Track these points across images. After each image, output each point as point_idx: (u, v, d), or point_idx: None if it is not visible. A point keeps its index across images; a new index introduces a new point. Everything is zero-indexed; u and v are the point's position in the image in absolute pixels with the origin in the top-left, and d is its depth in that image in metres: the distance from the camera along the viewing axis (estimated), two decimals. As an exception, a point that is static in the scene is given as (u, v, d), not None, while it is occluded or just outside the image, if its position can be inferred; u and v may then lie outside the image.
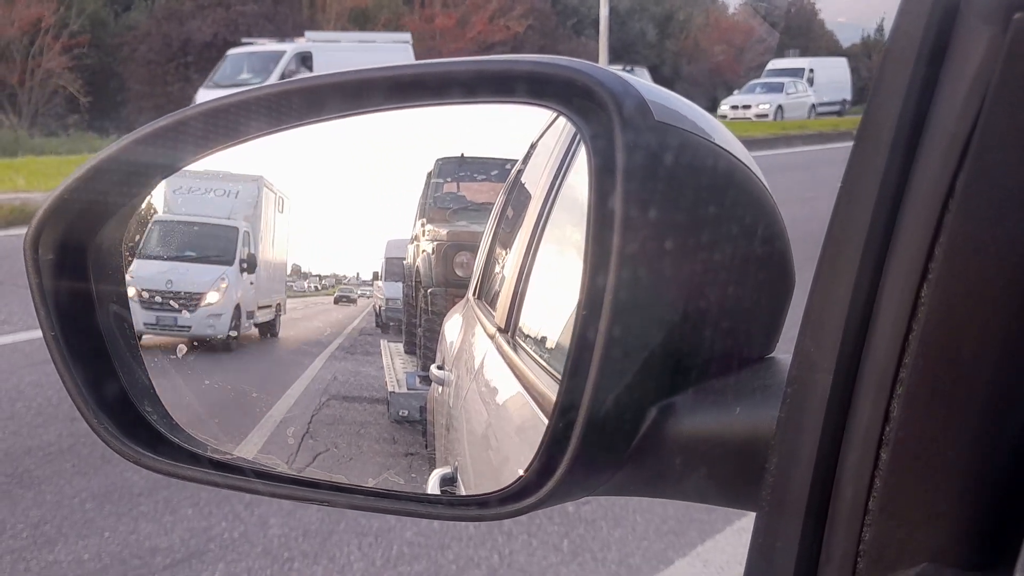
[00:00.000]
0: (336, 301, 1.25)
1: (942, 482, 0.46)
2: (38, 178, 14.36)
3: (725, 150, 0.65)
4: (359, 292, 1.20)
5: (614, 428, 0.62)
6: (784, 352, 0.71)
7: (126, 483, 4.38)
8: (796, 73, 39.03)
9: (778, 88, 36.28)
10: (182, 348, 1.11)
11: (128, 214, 0.93)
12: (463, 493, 0.97)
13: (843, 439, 0.50)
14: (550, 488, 0.62)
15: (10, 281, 8.54)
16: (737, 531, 3.75)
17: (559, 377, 0.85)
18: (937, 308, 0.46)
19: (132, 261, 1.00)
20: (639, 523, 3.81)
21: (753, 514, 0.63)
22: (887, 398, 0.48)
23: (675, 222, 0.62)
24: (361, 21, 42.49)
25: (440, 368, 1.21)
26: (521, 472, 0.66)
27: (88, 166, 0.82)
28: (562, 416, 0.62)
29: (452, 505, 0.78)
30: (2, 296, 8.10)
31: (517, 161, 1.20)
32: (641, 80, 0.68)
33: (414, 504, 0.80)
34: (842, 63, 44.73)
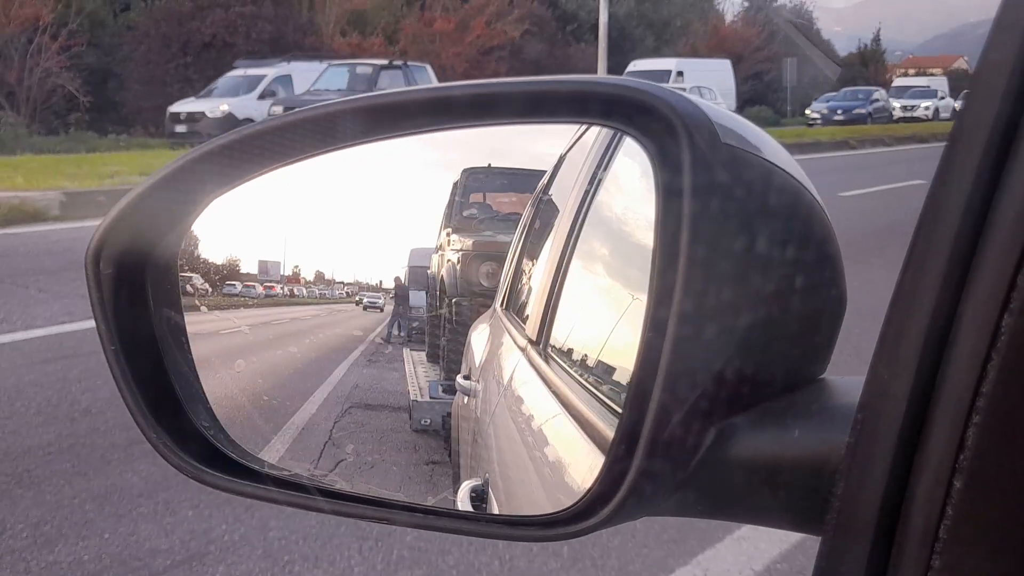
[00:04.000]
0: (365, 308, 1.25)
1: (1016, 512, 0.45)
2: (36, 176, 14.31)
3: (782, 169, 0.65)
4: (384, 300, 1.19)
5: (676, 449, 0.61)
6: (834, 374, 0.71)
7: (126, 484, 4.36)
8: (661, 77, 32.54)
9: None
10: (241, 363, 1.11)
11: (184, 230, 0.94)
12: (495, 508, 0.96)
13: (914, 466, 0.49)
14: (613, 508, 0.62)
15: (9, 280, 8.51)
16: (736, 540, 3.74)
17: (597, 393, 0.85)
18: (1018, 337, 0.45)
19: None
20: (639, 530, 3.80)
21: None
22: (963, 427, 0.48)
23: (739, 244, 0.62)
24: (360, 24, 42.45)
25: (467, 378, 1.21)
26: (582, 490, 0.66)
27: (148, 183, 0.82)
28: (625, 437, 0.62)
29: (512, 525, 0.78)
30: (1, 295, 8.07)
31: (545, 173, 1.20)
32: (705, 102, 0.67)
33: (472, 524, 0.80)
34: (725, 65, 37.48)
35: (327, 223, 1.24)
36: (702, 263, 0.58)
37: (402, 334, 1.20)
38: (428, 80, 24.42)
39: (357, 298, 1.21)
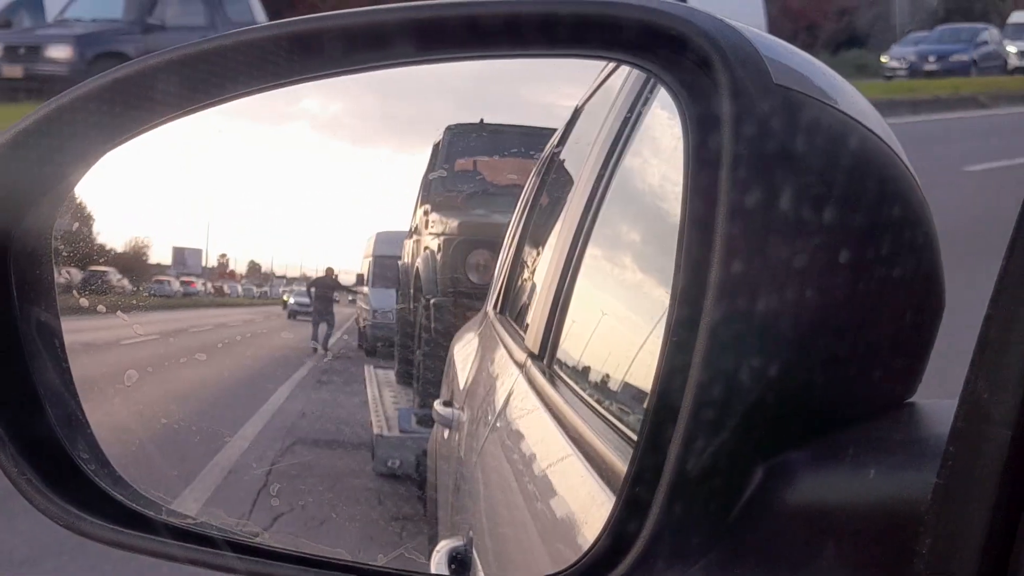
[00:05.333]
0: (292, 315, 1.24)
1: None
2: None
3: (861, 124, 0.65)
4: (327, 300, 1.19)
5: (709, 493, 0.62)
6: (930, 397, 0.71)
7: (2, 549, 4.38)
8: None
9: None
10: (132, 374, 1.11)
11: (62, 195, 0.92)
12: (480, 574, 0.96)
13: (1023, 517, 0.50)
14: (625, 570, 0.62)
15: None
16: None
17: (617, 423, 0.85)
18: None
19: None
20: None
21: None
22: None
23: (795, 224, 0.62)
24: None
25: (447, 405, 1.21)
26: (586, 546, 0.66)
27: (8, 135, 0.81)
28: (640, 478, 0.62)
29: None
30: None
31: (556, 131, 1.20)
32: (752, 28, 0.67)
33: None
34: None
35: (264, 198, 1.25)
36: (746, 247, 0.58)
37: (317, 343, 1.21)
38: (248, 7, 23.10)
39: (285, 297, 1.21)
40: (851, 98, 0.69)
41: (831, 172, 0.65)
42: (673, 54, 0.65)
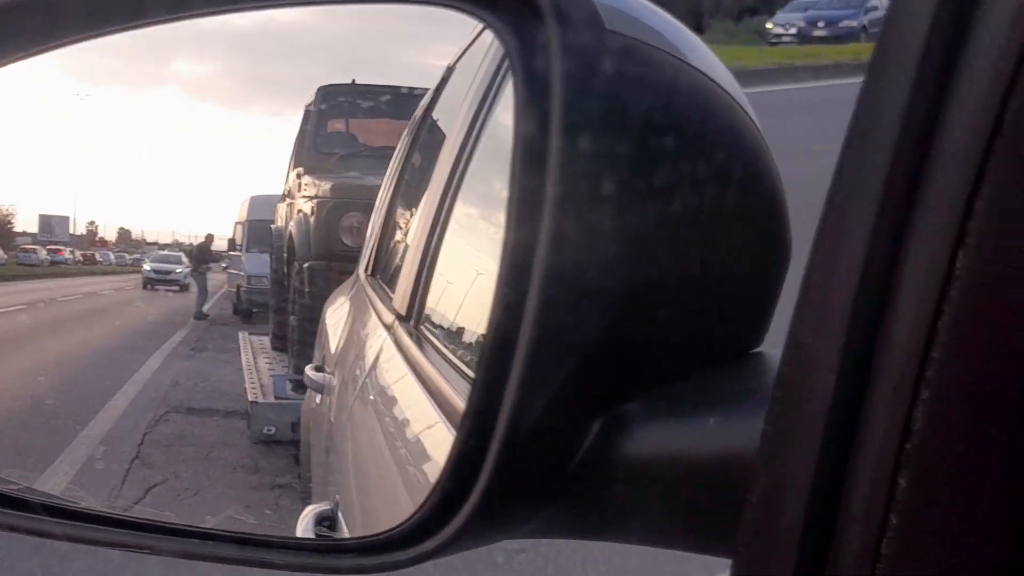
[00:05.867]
0: (147, 284, 1.22)
1: (980, 518, 0.46)
2: None
3: (703, 73, 0.64)
4: (204, 268, 1.17)
5: (544, 447, 0.61)
6: (776, 346, 0.71)
7: None
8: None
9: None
10: None
11: None
12: (345, 535, 0.95)
13: (849, 460, 0.50)
14: (456, 528, 0.61)
15: None
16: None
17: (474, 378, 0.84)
18: (977, 283, 0.46)
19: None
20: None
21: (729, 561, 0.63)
22: (908, 406, 0.48)
23: (629, 163, 0.61)
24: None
25: (319, 370, 1.19)
26: (414, 507, 0.65)
27: None
28: (474, 431, 0.61)
29: (321, 552, 0.76)
30: None
31: (429, 90, 1.18)
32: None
33: (269, 551, 0.78)
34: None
35: (134, 163, 1.21)
36: (576, 198, 0.57)
37: (202, 309, 1.19)
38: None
39: (144, 265, 1.19)
40: (695, 50, 0.69)
41: (669, 121, 0.64)
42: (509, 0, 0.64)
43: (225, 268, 1.19)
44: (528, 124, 0.62)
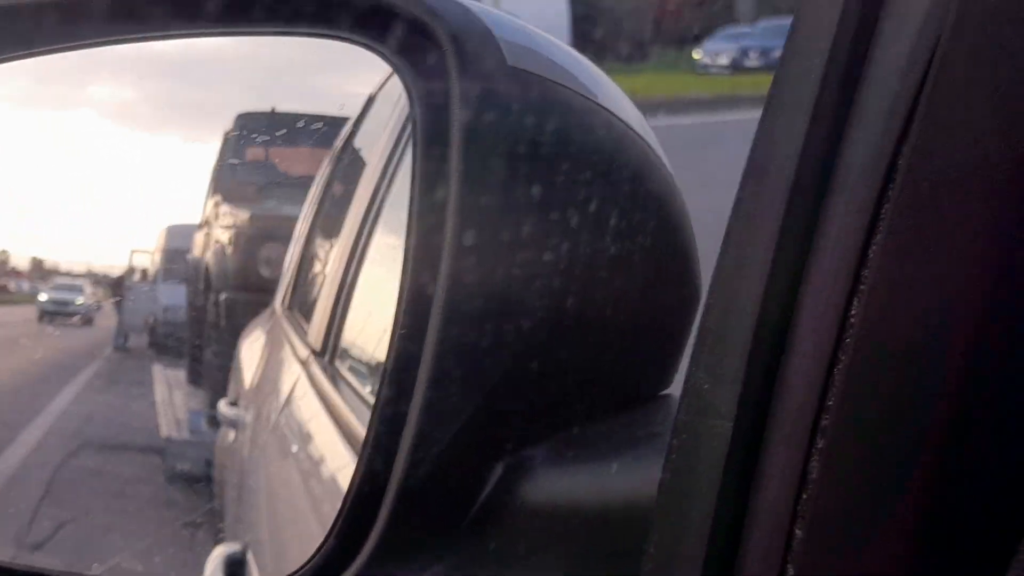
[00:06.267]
0: (43, 316, 1.18)
1: (875, 570, 0.45)
2: None
3: (610, 112, 0.63)
4: (115, 298, 1.14)
5: (445, 492, 0.59)
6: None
7: None
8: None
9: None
10: None
11: None
12: (254, 577, 0.93)
13: (747, 508, 0.49)
14: (356, 571, 0.59)
15: None
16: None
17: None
18: (872, 332, 0.45)
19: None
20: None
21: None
22: (804, 454, 0.47)
23: (532, 206, 0.60)
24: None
25: (233, 405, 1.16)
26: (307, 555, 0.63)
27: None
28: (370, 476, 0.59)
29: None
30: None
31: (350, 120, 1.17)
32: (494, 10, 0.65)
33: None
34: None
35: (48, 190, 1.18)
36: (478, 229, 0.56)
37: (123, 340, 1.16)
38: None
39: (40, 295, 1.15)
40: (601, 85, 0.68)
41: (572, 154, 0.63)
42: (403, 35, 0.63)
43: (117, 302, 1.14)
44: (426, 165, 0.61)
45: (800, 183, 0.47)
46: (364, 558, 0.60)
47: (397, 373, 0.60)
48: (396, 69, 0.65)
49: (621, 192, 0.64)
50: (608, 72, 0.78)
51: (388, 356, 0.61)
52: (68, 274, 1.22)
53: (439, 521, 0.62)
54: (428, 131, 0.61)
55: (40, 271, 1.22)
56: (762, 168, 0.49)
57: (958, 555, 0.45)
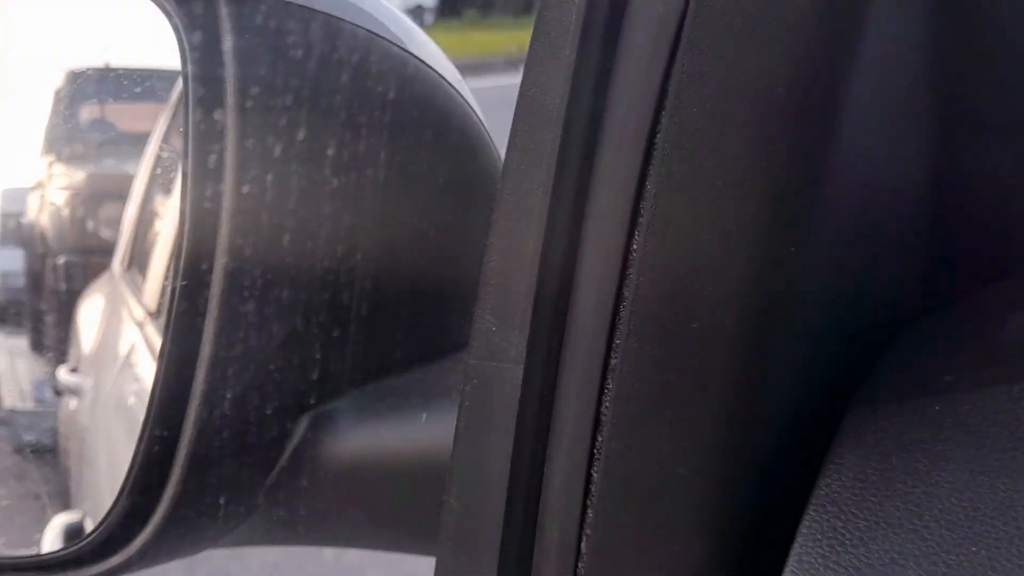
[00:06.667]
0: None
1: (671, 512, 0.45)
2: None
3: (420, 60, 0.62)
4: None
5: (242, 447, 0.58)
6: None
7: None
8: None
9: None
10: None
11: None
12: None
13: (544, 453, 0.48)
14: (146, 539, 0.57)
15: None
16: None
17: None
18: (653, 266, 0.44)
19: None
20: None
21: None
22: (597, 394, 0.47)
23: (322, 150, 0.58)
24: None
25: (74, 371, 1.13)
26: (99, 519, 0.61)
27: None
28: (159, 431, 0.57)
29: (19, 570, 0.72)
30: None
31: (187, 73, 1.13)
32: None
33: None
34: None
35: None
36: (255, 189, 0.54)
37: None
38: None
39: None
40: (410, 35, 0.66)
41: (367, 101, 0.61)
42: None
43: None
44: (196, 105, 0.58)
45: (572, 117, 0.47)
46: (157, 520, 0.58)
47: (180, 322, 0.58)
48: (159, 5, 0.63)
49: (418, 131, 0.62)
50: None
51: (171, 305, 0.59)
52: None
53: (239, 477, 0.60)
54: (197, 63, 0.58)
55: None
56: (533, 104, 0.48)
57: (750, 491, 0.45)
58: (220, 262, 0.56)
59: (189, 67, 0.60)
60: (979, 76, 0.49)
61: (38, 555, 0.66)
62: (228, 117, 0.56)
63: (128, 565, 0.59)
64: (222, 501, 0.58)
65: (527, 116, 0.46)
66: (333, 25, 0.60)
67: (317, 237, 0.57)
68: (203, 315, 0.56)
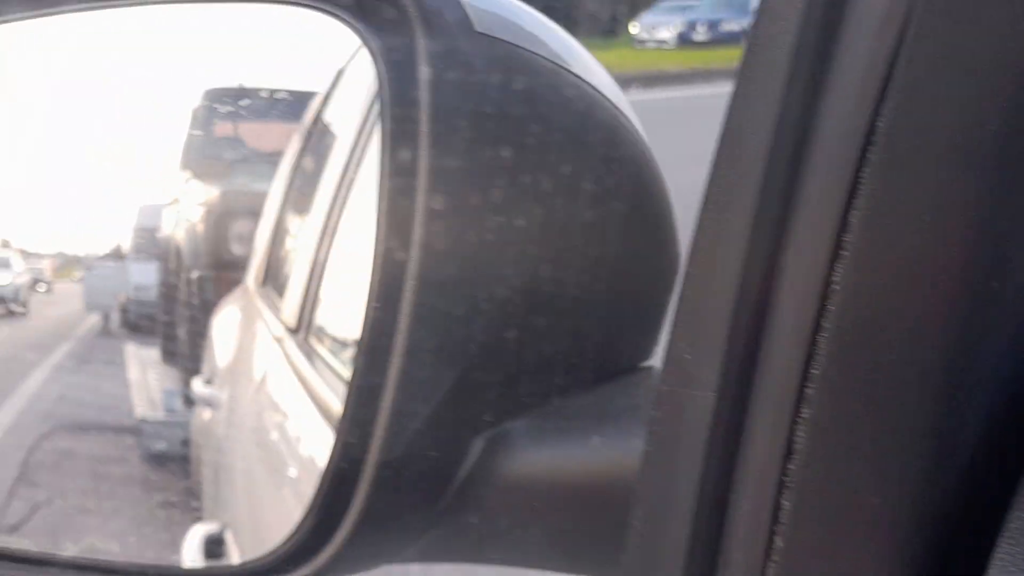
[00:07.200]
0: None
1: (863, 540, 0.45)
2: None
3: (581, 79, 0.63)
4: (79, 277, 1.13)
5: (422, 468, 0.59)
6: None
7: None
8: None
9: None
10: None
11: None
12: (233, 557, 0.92)
13: (732, 481, 0.49)
14: (330, 555, 0.59)
15: None
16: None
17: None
18: (855, 297, 0.45)
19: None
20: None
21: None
22: (789, 424, 0.47)
23: (504, 172, 0.59)
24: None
25: (208, 383, 1.16)
26: (286, 533, 0.63)
27: None
28: (347, 452, 0.59)
29: None
30: None
31: (318, 94, 1.16)
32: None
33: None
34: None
35: (11, 169, 1.17)
36: (448, 199, 0.56)
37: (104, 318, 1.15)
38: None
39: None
40: (574, 52, 0.67)
41: (545, 121, 0.62)
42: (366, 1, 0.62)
43: (80, 279, 1.13)
44: (394, 137, 0.60)
45: (777, 149, 0.47)
46: (343, 535, 0.59)
47: (371, 346, 0.60)
48: (357, 32, 0.65)
49: (594, 156, 0.63)
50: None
51: (363, 329, 0.61)
52: (39, 255, 1.21)
53: (418, 497, 0.61)
54: (393, 90, 0.60)
55: (6, 251, 1.21)
56: (738, 134, 0.49)
57: (944, 519, 0.45)
58: (410, 277, 0.57)
59: (382, 72, 0.62)
60: None
61: (228, 566, 0.68)
62: (421, 142, 0.57)
63: (312, 576, 0.61)
64: (402, 516, 0.60)
65: (730, 149, 0.47)
66: (514, 51, 0.62)
67: (503, 254, 0.58)
68: (391, 335, 0.57)
